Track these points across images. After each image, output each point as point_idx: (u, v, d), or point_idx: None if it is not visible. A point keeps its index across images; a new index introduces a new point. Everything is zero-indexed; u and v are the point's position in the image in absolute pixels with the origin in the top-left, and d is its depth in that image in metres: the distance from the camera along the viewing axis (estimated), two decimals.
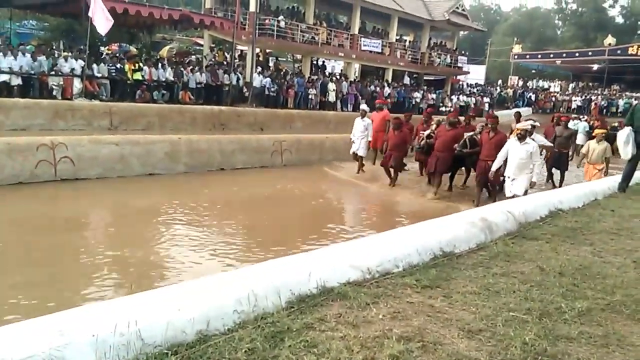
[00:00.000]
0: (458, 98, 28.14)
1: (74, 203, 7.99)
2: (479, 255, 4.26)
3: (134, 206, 7.89)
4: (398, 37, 28.21)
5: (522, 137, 7.88)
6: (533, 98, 34.25)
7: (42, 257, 5.51)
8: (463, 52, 33.47)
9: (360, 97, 21.35)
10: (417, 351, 2.55)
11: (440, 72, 29.80)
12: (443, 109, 25.57)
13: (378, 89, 23.04)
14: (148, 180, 9.89)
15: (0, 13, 20.03)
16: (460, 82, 34.67)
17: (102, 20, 12.45)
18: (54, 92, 13.30)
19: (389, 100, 21.04)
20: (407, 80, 27.64)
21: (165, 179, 9.97)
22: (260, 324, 2.68)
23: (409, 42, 30.43)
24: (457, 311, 3.07)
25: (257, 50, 21.42)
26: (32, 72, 13.13)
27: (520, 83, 40.35)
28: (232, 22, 17.84)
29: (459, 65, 30.83)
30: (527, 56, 42.93)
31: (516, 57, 41.52)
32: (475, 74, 37.84)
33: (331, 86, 20.53)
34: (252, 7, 19.72)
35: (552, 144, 9.57)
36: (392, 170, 11.06)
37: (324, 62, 27.95)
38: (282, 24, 21.02)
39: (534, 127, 8.35)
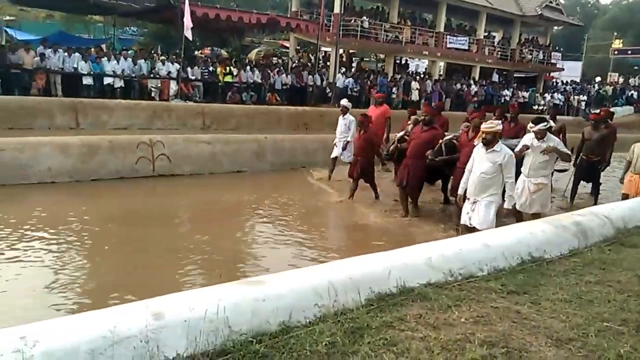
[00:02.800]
0: (552, 96, 26.58)
1: (169, 197, 8.52)
2: (571, 261, 4.04)
3: (223, 201, 8.26)
4: (486, 34, 27.19)
5: (488, 143, 5.47)
6: (635, 96, 31.52)
7: (139, 246, 5.94)
8: (557, 48, 31.57)
9: (445, 96, 20.85)
10: (501, 357, 2.48)
11: (531, 69, 28.31)
12: (535, 107, 24.29)
13: (464, 87, 22.36)
14: (236, 177, 10.32)
15: (105, 20, 21.72)
16: (554, 80, 32.72)
17: (187, 27, 13.18)
18: (153, 94, 14.27)
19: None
20: (495, 77, 26.55)
21: (252, 177, 10.35)
22: (340, 319, 2.73)
23: (498, 38, 29.21)
24: (546, 319, 2.94)
25: (341, 51, 21.59)
26: (133, 75, 14.16)
27: (621, 80, 37.32)
28: (316, 24, 18.11)
29: (553, 61, 29.09)
30: (629, 52, 39.66)
31: (616, 52, 38.50)
32: (571, 71, 35.58)
33: (414, 85, 20.20)
34: (337, 9, 19.91)
35: (569, 152, 6.60)
36: (358, 180, 8.52)
37: (407, 61, 27.57)
38: (366, 24, 21.00)
39: (548, 128, 6.20)
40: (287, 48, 25.76)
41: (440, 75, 25.54)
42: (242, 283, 2.91)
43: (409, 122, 8.82)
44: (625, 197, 7.63)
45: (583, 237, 4.55)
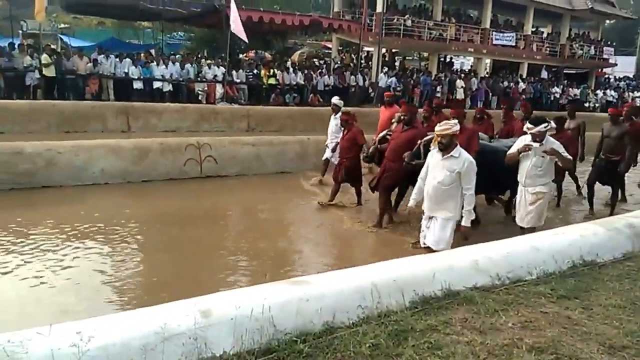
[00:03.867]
0: (604, 93, 25.50)
1: (216, 198, 8.71)
2: (625, 265, 3.88)
3: (267, 201, 8.36)
4: (534, 29, 26.38)
5: (444, 148, 4.68)
6: None
7: (187, 245, 6.10)
8: (609, 42, 30.25)
9: (491, 94, 20.38)
10: None
11: (582, 65, 27.27)
12: (587, 105, 23.37)
13: (512, 84, 21.77)
14: (280, 178, 10.44)
15: (154, 26, 22.41)
16: (607, 76, 31.37)
17: (241, 30, 13.39)
18: (200, 97, 14.65)
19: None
20: (544, 74, 25.72)
21: (295, 177, 10.44)
22: (383, 321, 2.73)
23: (547, 33, 28.28)
24: (598, 325, 2.84)
25: (383, 50, 21.46)
26: (181, 79, 14.56)
27: None
28: (359, 24, 18.08)
29: (605, 57, 27.93)
30: None
31: None
32: (625, 66, 33.96)
33: (459, 83, 19.84)
34: (379, 8, 19.81)
35: (569, 157, 5.57)
36: (340, 184, 7.99)
37: (451, 58, 27.10)
38: (409, 22, 20.80)
39: (548, 130, 5.44)
40: (330, 49, 25.83)
41: (486, 72, 24.98)
42: (286, 283, 2.96)
43: (393, 120, 7.80)
44: None
45: (637, 240, 4.36)
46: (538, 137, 5.39)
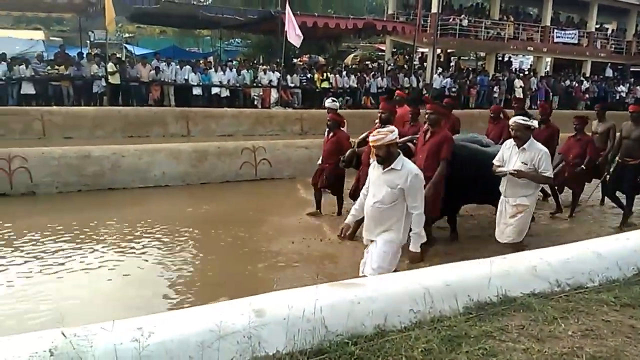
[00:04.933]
0: None
1: (271, 199, 8.87)
2: None
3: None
4: (598, 26, 25.18)
5: (383, 160, 3.91)
6: None
7: (243, 245, 6.25)
8: None
9: (552, 94, 19.60)
10: None
11: None
12: None
13: (574, 83, 20.85)
14: None
15: (213, 34, 23.12)
16: None
17: (294, 36, 13.59)
18: (255, 102, 15.00)
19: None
20: (609, 72, 24.47)
21: (349, 179, 10.46)
22: (436, 325, 2.70)
23: (612, 30, 26.88)
24: None
25: (438, 51, 21.12)
26: (237, 84, 14.97)
27: None
28: (413, 26, 17.91)
29: None
30: None
31: None
32: None
33: (518, 83, 19.21)
34: (435, 9, 19.53)
35: (550, 175, 4.84)
36: (321, 191, 7.49)
37: (509, 58, 26.29)
38: (465, 22, 20.38)
39: (529, 127, 4.75)
40: (383, 51, 25.71)
41: (546, 71, 24.06)
42: (338, 285, 2.97)
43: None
44: None
45: None
46: (516, 132, 4.75)
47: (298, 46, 14.41)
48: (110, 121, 11.84)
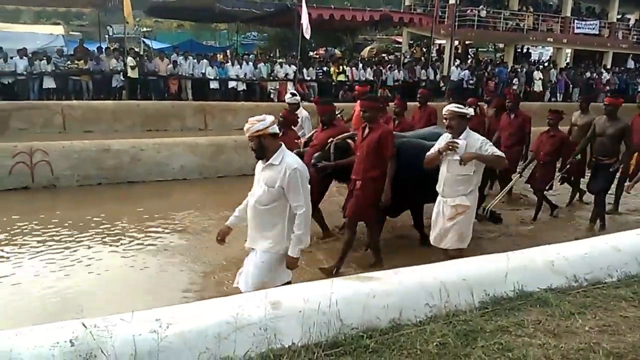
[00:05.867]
0: None
1: None
2: None
3: (334, 194, 8.37)
4: (619, 17, 24.62)
5: (259, 156, 3.50)
6: None
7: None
8: None
9: (572, 86, 19.26)
10: None
11: None
12: None
13: (595, 75, 20.45)
14: None
15: (229, 28, 23.18)
16: None
17: (306, 27, 13.57)
18: (272, 96, 15.01)
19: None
20: (631, 64, 23.94)
21: None
22: (452, 320, 2.70)
23: (635, 20, 26.27)
24: None
25: (456, 42, 20.89)
26: (254, 78, 15.00)
27: None
28: (430, 17, 17.73)
29: None
30: None
31: None
32: None
33: (537, 75, 18.90)
34: (452, 0, 19.31)
35: (500, 154, 4.34)
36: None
37: (528, 49, 25.87)
38: (483, 13, 20.10)
39: (464, 116, 4.27)
40: (400, 43, 25.51)
41: (566, 63, 23.65)
42: (353, 278, 2.99)
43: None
44: None
45: None
46: (450, 121, 4.28)
47: (308, 37, 14.33)
48: (129, 115, 11.97)
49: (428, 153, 4.49)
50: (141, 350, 2.18)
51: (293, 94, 7.75)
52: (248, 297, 2.72)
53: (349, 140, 5.43)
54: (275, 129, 3.47)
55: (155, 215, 6.99)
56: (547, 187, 7.00)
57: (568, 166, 6.88)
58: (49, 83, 12.74)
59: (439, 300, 2.82)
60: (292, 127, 6.42)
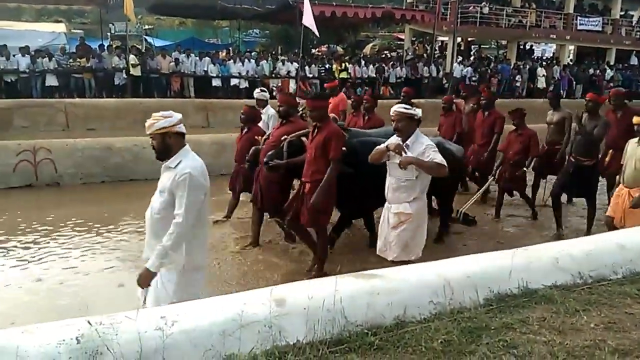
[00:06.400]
0: None
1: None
2: None
3: None
4: (622, 13, 24.54)
5: (158, 152, 3.19)
6: None
7: (263, 235, 6.27)
8: None
9: (575, 83, 19.22)
10: None
11: None
12: None
13: (598, 72, 20.40)
14: None
15: (231, 25, 23.16)
16: None
17: (311, 22, 13.54)
18: (274, 93, 14.98)
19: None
20: (634, 60, 23.87)
21: None
22: (456, 317, 2.70)
23: (638, 17, 26.18)
24: None
25: (459, 39, 20.84)
26: (256, 75, 14.99)
27: None
28: (433, 14, 17.69)
29: None
30: None
31: None
32: None
33: (540, 71, 18.87)
34: None
35: (441, 162, 3.93)
36: (239, 194, 6.73)
37: (532, 46, 25.81)
38: (486, 9, 20.06)
39: (412, 118, 4.01)
40: (402, 40, 25.47)
41: (569, 60, 23.59)
42: (357, 276, 2.99)
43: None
44: (610, 222, 5.14)
45: None
46: (397, 124, 4.01)
47: (317, 34, 14.31)
48: (132, 113, 11.97)
49: (376, 148, 4.18)
50: (147, 348, 2.18)
51: (262, 90, 7.63)
52: (252, 295, 2.72)
53: (304, 138, 5.12)
54: (182, 128, 3.18)
55: None
56: (518, 188, 6.90)
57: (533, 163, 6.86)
58: (51, 81, 12.76)
59: (444, 297, 2.82)
60: (256, 122, 6.39)
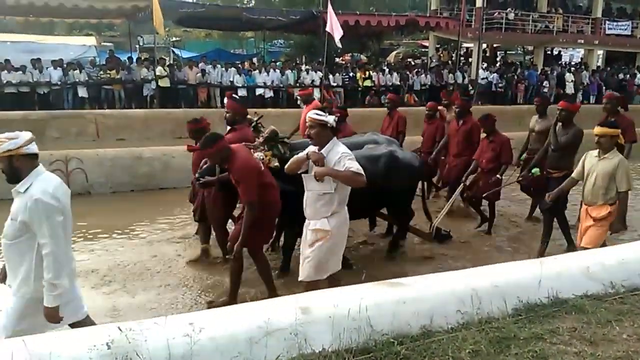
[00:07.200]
0: None
1: None
2: None
3: None
4: None
5: (7, 177, 3.00)
6: None
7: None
8: None
9: (604, 88, 18.79)
10: None
11: None
12: None
13: (628, 76, 19.93)
14: None
15: (256, 36, 23.46)
16: None
17: (337, 33, 13.60)
18: (298, 102, 15.09)
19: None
20: None
21: None
22: (484, 327, 2.67)
23: None
24: None
25: (484, 45, 20.65)
26: (281, 85, 15.13)
27: None
28: (457, 21, 17.56)
29: None
30: None
31: None
32: None
33: (569, 77, 18.52)
34: (479, 3, 19.12)
35: (359, 171, 3.55)
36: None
37: (559, 51, 25.39)
38: (511, 15, 19.84)
39: (325, 125, 3.68)
40: (426, 47, 25.36)
41: (598, 65, 23.11)
42: (383, 284, 2.98)
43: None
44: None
45: None
46: (311, 132, 3.73)
47: (338, 42, 14.35)
48: (160, 123, 12.21)
49: (295, 157, 3.88)
50: (175, 354, 2.22)
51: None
52: (278, 303, 2.74)
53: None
54: (32, 149, 2.95)
55: (187, 222, 7.10)
56: (493, 197, 6.54)
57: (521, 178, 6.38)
58: (82, 92, 13.11)
59: (471, 306, 2.78)
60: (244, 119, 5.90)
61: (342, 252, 3.91)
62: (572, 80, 18.39)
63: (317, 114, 3.73)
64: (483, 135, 6.78)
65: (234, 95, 7.06)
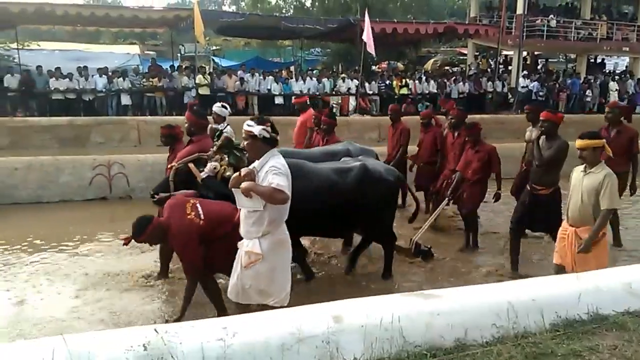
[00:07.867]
0: None
1: None
2: None
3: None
4: None
5: None
6: None
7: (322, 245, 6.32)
8: None
9: None
10: None
11: None
12: None
13: None
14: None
15: (294, 44, 23.70)
16: None
17: (370, 43, 13.62)
18: (334, 110, 15.17)
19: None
20: None
21: None
22: (520, 342, 2.61)
23: None
24: None
25: (524, 53, 20.24)
26: (317, 93, 15.23)
27: None
28: (497, 28, 17.29)
29: None
30: None
31: None
32: None
33: (613, 85, 17.94)
34: (520, 10, 18.78)
35: (280, 187, 3.22)
36: None
37: (603, 59, 24.63)
38: (553, 23, 19.39)
39: (255, 137, 3.41)
40: (465, 55, 25.04)
41: None
42: (416, 295, 2.95)
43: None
44: (559, 272, 4.31)
45: None
46: (245, 144, 3.50)
47: (374, 53, 14.34)
48: None
49: (238, 173, 3.48)
50: (208, 357, 2.26)
51: (223, 106, 7.04)
52: (311, 310, 2.76)
53: (192, 165, 4.63)
54: None
55: None
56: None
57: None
58: (125, 100, 13.57)
59: (507, 320, 2.72)
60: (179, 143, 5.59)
61: (285, 278, 3.54)
62: (616, 89, 17.82)
63: (247, 124, 3.42)
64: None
65: (194, 107, 6.94)
